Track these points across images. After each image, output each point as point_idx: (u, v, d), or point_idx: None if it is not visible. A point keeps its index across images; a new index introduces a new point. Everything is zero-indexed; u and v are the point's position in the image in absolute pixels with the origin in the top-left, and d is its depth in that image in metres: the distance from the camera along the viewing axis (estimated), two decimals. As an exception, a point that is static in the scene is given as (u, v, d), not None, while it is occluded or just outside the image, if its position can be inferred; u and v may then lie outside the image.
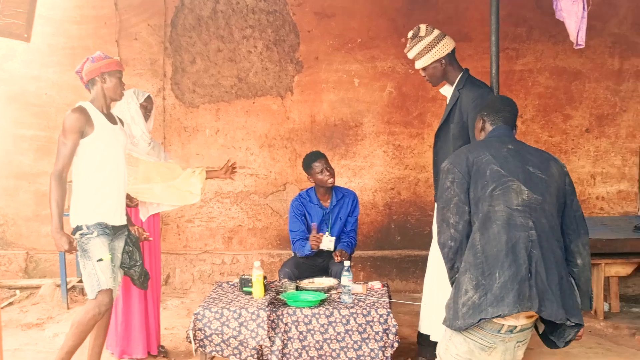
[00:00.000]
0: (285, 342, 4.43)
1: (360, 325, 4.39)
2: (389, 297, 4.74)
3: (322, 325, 4.41)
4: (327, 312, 4.43)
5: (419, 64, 4.38)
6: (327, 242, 5.47)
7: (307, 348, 4.43)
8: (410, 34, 4.38)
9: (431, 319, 4.54)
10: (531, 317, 3.00)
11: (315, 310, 4.44)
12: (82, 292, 6.66)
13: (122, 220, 4.48)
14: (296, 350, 4.43)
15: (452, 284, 3.16)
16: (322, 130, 7.18)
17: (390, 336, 4.37)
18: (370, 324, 4.39)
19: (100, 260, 4.21)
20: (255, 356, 4.39)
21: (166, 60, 7.15)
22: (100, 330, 4.50)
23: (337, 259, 5.35)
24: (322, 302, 4.56)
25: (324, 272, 5.36)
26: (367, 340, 4.39)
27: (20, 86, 7.18)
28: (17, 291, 6.89)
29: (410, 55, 4.40)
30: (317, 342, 4.42)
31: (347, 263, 4.66)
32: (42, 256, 7.26)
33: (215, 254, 7.30)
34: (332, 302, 4.60)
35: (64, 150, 4.20)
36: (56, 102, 7.12)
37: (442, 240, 3.14)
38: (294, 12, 7.08)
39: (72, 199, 4.38)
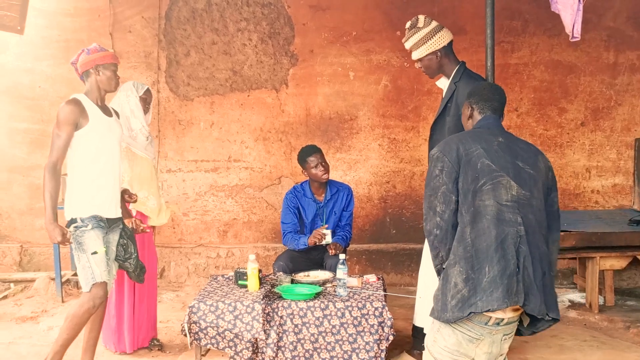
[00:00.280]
0: (281, 335, 4.43)
1: (355, 318, 4.39)
2: (384, 290, 4.74)
3: (317, 318, 4.41)
4: (322, 305, 4.42)
5: (415, 55, 4.38)
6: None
7: (302, 341, 4.42)
8: (408, 24, 4.37)
9: (426, 312, 4.53)
10: (517, 310, 3.03)
11: (311, 303, 4.43)
12: (77, 285, 6.65)
13: (117, 213, 4.46)
14: (291, 343, 4.42)
15: (437, 272, 3.17)
16: (317, 123, 7.17)
17: (385, 329, 4.37)
18: (366, 317, 4.39)
19: (95, 253, 4.20)
20: (250, 349, 4.38)
21: (160, 53, 7.12)
22: (95, 323, 4.49)
23: (331, 252, 5.34)
24: (317, 295, 4.55)
25: (319, 265, 5.36)
26: (362, 333, 4.39)
27: (14, 79, 7.15)
28: (12, 284, 6.87)
29: (407, 45, 4.39)
30: (312, 335, 4.41)
31: (342, 256, 4.65)
32: (37, 249, 7.25)
33: (210, 248, 7.30)
34: (327, 295, 4.60)
35: (58, 142, 4.19)
36: (50, 95, 7.09)
37: (429, 227, 3.14)
38: (288, 5, 7.06)
39: (67, 192, 4.37)
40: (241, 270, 4.81)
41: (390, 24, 6.99)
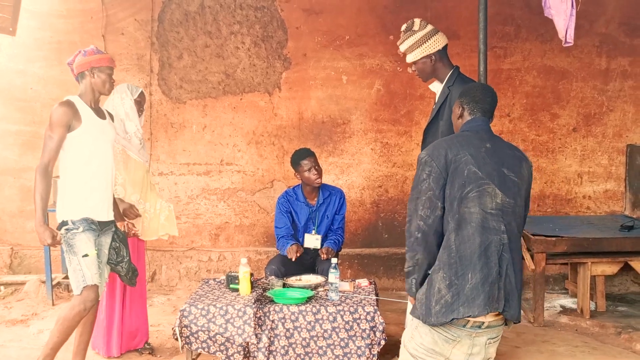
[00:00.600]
0: (272, 339, 4.41)
1: (347, 322, 4.39)
2: (376, 294, 4.74)
3: (309, 323, 4.40)
4: (314, 310, 4.42)
5: (409, 58, 4.38)
6: (314, 241, 5.48)
7: (293, 345, 4.41)
8: (403, 27, 4.37)
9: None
10: (498, 315, 3.08)
11: (302, 308, 4.43)
12: (67, 288, 6.63)
13: (109, 216, 4.45)
14: (283, 347, 4.41)
15: (407, 273, 3.19)
16: (310, 127, 7.16)
17: (377, 334, 4.37)
18: (357, 321, 4.38)
19: (86, 255, 4.19)
20: (242, 353, 4.37)
21: (153, 56, 7.10)
22: (86, 326, 4.47)
23: (323, 256, 5.34)
24: (309, 299, 4.55)
25: (311, 269, 5.36)
26: (353, 338, 4.38)
27: (6, 81, 7.11)
28: (2, 287, 6.83)
29: (402, 48, 4.39)
30: (304, 339, 4.40)
31: (334, 260, 4.65)
32: (27, 252, 7.21)
33: (202, 251, 7.27)
34: (319, 300, 4.59)
35: (51, 144, 4.18)
36: (42, 97, 7.06)
37: (410, 229, 3.16)
38: (282, 9, 7.06)
39: (59, 194, 4.36)
40: (233, 274, 4.80)
41: (383, 29, 6.99)
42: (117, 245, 4.51)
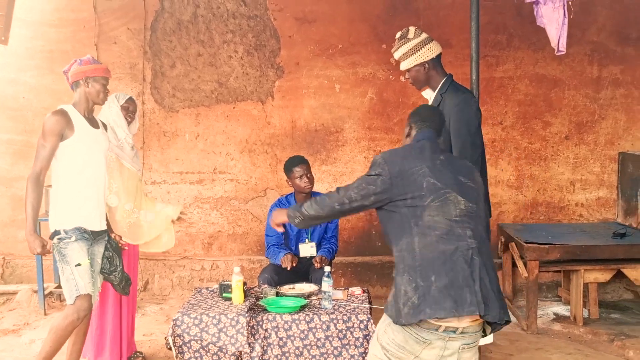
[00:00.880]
0: (265, 348, 4.40)
1: (340, 331, 4.38)
2: (370, 303, 4.73)
3: (302, 331, 4.39)
4: (307, 318, 4.41)
5: (403, 65, 4.39)
6: (309, 249, 5.47)
7: (287, 354, 4.40)
8: (398, 35, 4.39)
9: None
10: (475, 320, 3.07)
11: (296, 316, 4.42)
12: (60, 298, 6.60)
13: (101, 226, 4.44)
14: (276, 356, 4.40)
15: (293, 222, 3.53)
16: (303, 135, 7.16)
17: (371, 342, 4.36)
18: (351, 329, 4.38)
19: (79, 265, 4.18)
20: (235, 362, 4.36)
21: (146, 65, 7.10)
22: (79, 336, 4.45)
23: (317, 265, 5.33)
24: (302, 308, 4.54)
25: (304, 278, 5.35)
26: (347, 347, 4.37)
27: (-3, 90, 7.10)
28: (-7, 297, 6.81)
29: (396, 55, 4.41)
30: (297, 348, 4.39)
31: (327, 269, 4.64)
32: (19, 262, 7.17)
33: (195, 260, 7.26)
34: (312, 308, 4.58)
35: (43, 153, 4.18)
36: (33, 106, 7.04)
37: (334, 199, 3.33)
38: (274, 18, 7.07)
39: (51, 203, 4.34)
40: (226, 282, 4.78)
41: (376, 37, 7.01)
42: (110, 254, 4.49)
